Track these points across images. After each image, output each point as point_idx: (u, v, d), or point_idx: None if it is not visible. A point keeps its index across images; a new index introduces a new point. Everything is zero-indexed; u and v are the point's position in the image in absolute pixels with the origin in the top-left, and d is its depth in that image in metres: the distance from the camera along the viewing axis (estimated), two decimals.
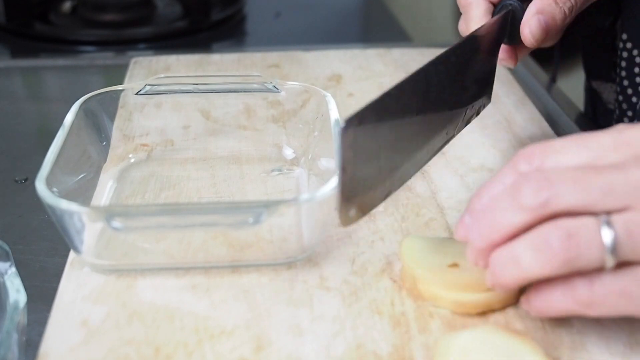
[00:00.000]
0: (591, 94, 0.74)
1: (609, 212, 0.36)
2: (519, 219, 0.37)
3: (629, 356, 0.40)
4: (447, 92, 0.47)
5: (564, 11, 0.52)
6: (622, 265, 0.36)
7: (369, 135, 0.41)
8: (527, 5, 0.52)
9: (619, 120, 0.66)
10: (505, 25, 0.52)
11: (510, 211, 0.37)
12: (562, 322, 0.42)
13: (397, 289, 0.44)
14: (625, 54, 0.64)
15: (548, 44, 0.53)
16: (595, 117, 0.74)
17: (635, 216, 0.35)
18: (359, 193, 0.41)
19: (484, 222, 0.38)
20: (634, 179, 0.36)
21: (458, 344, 0.38)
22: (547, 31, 0.52)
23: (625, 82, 0.65)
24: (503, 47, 0.54)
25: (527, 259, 0.36)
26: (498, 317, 0.42)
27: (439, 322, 0.42)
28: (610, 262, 0.36)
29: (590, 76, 0.74)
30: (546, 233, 0.36)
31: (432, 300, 0.43)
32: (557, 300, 0.38)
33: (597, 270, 0.36)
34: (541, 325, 0.42)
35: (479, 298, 0.42)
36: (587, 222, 0.36)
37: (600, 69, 0.71)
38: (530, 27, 0.51)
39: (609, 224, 0.35)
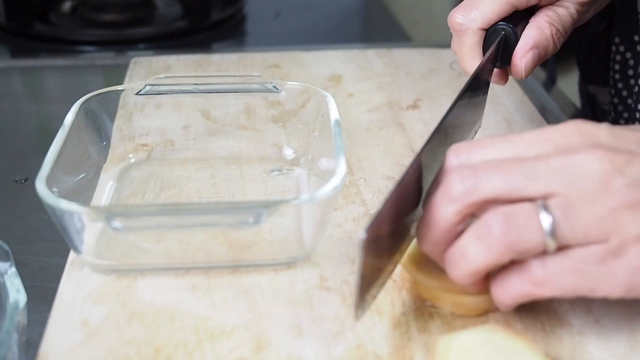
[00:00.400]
0: (588, 97, 0.74)
1: (545, 198, 0.37)
2: (449, 209, 0.38)
3: (629, 357, 0.40)
4: (448, 145, 0.44)
5: (557, 45, 0.52)
6: (567, 248, 0.37)
7: (384, 235, 0.39)
8: (520, 29, 0.51)
9: (615, 121, 0.66)
10: (499, 51, 0.51)
11: (442, 205, 0.38)
12: (562, 322, 0.42)
13: (397, 289, 0.44)
14: (618, 57, 0.64)
15: None
16: (594, 118, 0.74)
17: (567, 200, 0.37)
18: (372, 288, 0.40)
19: (424, 225, 0.40)
20: (554, 164, 0.37)
21: (458, 344, 0.38)
22: (538, 64, 0.52)
23: (620, 85, 0.65)
24: (495, 70, 0.53)
25: (472, 249, 0.38)
26: (498, 317, 0.42)
27: (439, 323, 0.42)
28: (551, 245, 0.37)
29: (585, 80, 0.74)
30: (486, 220, 0.37)
31: (432, 301, 0.43)
32: (513, 284, 0.38)
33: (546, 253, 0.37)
34: (541, 325, 0.42)
35: (479, 300, 0.42)
36: (525, 206, 0.37)
37: (595, 73, 0.71)
38: (525, 62, 0.51)
39: (546, 208, 0.37)
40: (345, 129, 0.62)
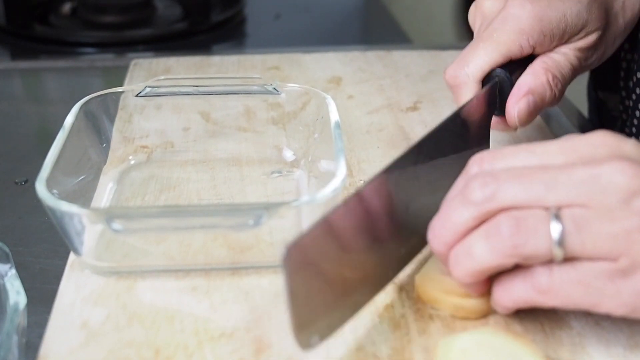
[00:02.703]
0: (597, 103, 0.74)
1: (558, 207, 0.37)
2: (467, 214, 0.38)
3: (629, 358, 0.40)
4: (432, 184, 0.42)
5: (555, 93, 0.51)
6: (575, 260, 0.37)
7: (320, 256, 0.37)
8: (516, 77, 0.50)
9: (622, 130, 0.66)
10: (494, 98, 0.50)
11: (460, 208, 0.38)
12: (562, 324, 0.42)
13: (397, 291, 0.44)
14: (624, 65, 0.64)
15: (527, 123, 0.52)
16: (601, 125, 0.73)
17: (583, 212, 0.36)
18: (318, 317, 0.37)
19: (439, 225, 0.39)
20: (577, 176, 0.37)
21: (458, 346, 0.38)
22: (534, 114, 0.50)
23: (623, 93, 0.64)
24: (494, 118, 0.52)
25: (478, 248, 0.38)
26: (498, 319, 0.42)
27: (439, 325, 0.42)
28: (558, 255, 0.37)
29: (596, 86, 0.73)
30: (497, 221, 0.37)
31: (432, 303, 0.43)
32: (517, 288, 0.38)
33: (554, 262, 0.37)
34: (541, 327, 0.42)
35: (479, 302, 0.42)
36: (536, 212, 0.37)
37: (607, 77, 0.70)
38: (518, 109, 0.50)
39: (557, 217, 0.36)
40: (345, 131, 0.62)
